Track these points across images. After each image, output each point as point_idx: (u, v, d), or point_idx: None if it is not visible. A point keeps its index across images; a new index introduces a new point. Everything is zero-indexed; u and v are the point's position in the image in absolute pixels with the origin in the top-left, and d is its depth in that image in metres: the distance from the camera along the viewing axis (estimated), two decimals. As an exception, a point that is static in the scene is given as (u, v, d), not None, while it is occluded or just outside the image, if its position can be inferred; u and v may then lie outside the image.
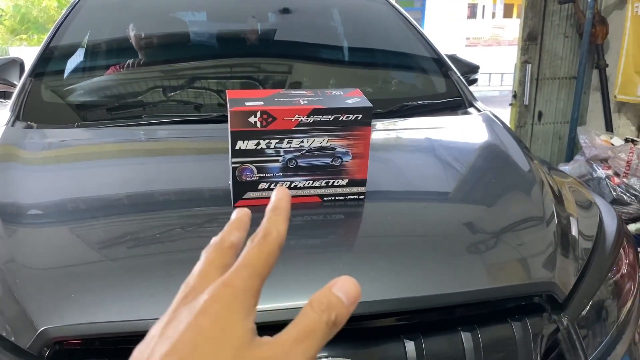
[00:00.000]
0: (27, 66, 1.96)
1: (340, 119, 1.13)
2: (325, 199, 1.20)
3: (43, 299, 0.92)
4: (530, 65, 3.22)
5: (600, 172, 2.66)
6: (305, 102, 1.13)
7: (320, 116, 1.11)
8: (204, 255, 0.37)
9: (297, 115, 1.10)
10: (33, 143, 1.52)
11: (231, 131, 1.10)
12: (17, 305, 0.91)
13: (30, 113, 1.67)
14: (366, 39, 2.37)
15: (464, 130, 1.76)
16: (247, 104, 1.11)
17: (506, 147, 1.64)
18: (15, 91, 1.79)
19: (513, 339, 0.98)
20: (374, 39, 2.37)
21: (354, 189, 1.20)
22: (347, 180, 1.19)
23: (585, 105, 3.36)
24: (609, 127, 3.17)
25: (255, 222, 1.09)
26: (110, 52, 2.08)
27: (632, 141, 2.74)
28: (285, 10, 2.32)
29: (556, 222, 1.22)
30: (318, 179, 1.18)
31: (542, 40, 3.25)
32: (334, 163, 1.17)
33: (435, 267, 1.05)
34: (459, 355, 0.95)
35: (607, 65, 3.17)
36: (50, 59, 1.94)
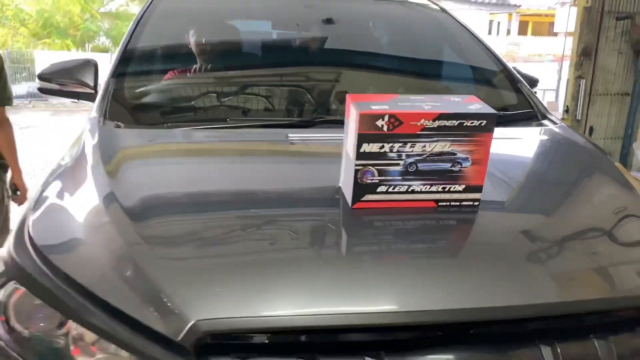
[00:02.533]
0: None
1: (465, 124, 1.14)
2: (440, 204, 1.21)
3: (192, 294, 0.93)
4: (584, 80, 3.23)
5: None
6: (429, 107, 1.15)
7: (446, 121, 1.13)
8: None
9: (423, 120, 1.12)
10: (133, 142, 1.54)
11: (358, 134, 1.11)
12: (166, 299, 0.93)
13: (116, 114, 1.70)
14: (434, 51, 2.39)
15: (547, 141, 1.77)
16: (373, 107, 1.13)
17: (595, 158, 1.65)
18: (100, 92, 1.83)
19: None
20: (438, 50, 2.40)
21: (470, 195, 1.21)
22: (463, 187, 1.20)
23: (637, 121, 3.37)
24: (663, 145, 3.18)
25: (370, 225, 1.11)
26: (186, 56, 2.12)
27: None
28: (350, 20, 2.35)
29: None
30: (436, 184, 1.19)
31: (596, 56, 3.26)
32: (452, 168, 1.18)
33: (562, 275, 1.06)
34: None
35: (663, 82, 3.18)
36: (130, 61, 1.97)
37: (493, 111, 1.16)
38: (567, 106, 3.33)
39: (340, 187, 1.26)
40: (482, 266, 1.05)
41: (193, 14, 2.28)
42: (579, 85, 3.20)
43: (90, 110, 1.81)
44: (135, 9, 17.38)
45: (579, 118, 3.31)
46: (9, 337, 1.05)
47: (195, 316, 0.89)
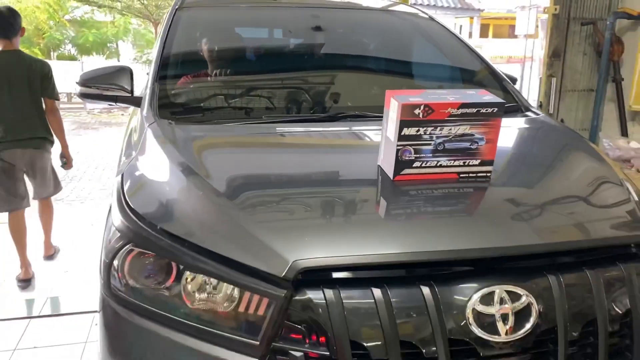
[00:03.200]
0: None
1: (481, 111, 1.47)
2: (461, 175, 1.53)
3: (290, 242, 1.23)
4: (554, 79, 3.64)
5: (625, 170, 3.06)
6: (453, 98, 1.47)
7: (467, 109, 1.45)
8: None
9: (449, 108, 1.44)
10: (193, 134, 1.82)
11: (400, 120, 1.43)
12: (270, 248, 1.22)
13: (165, 113, 1.97)
14: (430, 56, 2.72)
15: (535, 128, 2.11)
16: (411, 99, 1.44)
17: (576, 140, 2.00)
18: (147, 94, 2.08)
19: (624, 278, 1.32)
20: (436, 55, 2.72)
21: (484, 168, 1.54)
22: (479, 161, 1.52)
23: (601, 114, 3.79)
24: (624, 133, 3.59)
25: (409, 193, 1.44)
26: (220, 59, 2.39)
27: (650, 145, 3.15)
28: (351, 28, 2.67)
29: (635, 195, 1.57)
30: (458, 159, 1.51)
31: (564, 57, 3.67)
32: (471, 147, 1.50)
33: (565, 219, 1.39)
34: (587, 287, 1.28)
35: (622, 79, 3.60)
36: (167, 67, 2.23)
37: (502, 100, 1.49)
38: (541, 102, 3.73)
39: (379, 165, 1.57)
40: (498, 218, 1.37)
41: (211, 24, 2.56)
42: (551, 83, 3.60)
43: (137, 111, 2.09)
44: (101, 17, 17.32)
45: (551, 112, 3.71)
46: (127, 291, 1.32)
47: (294, 257, 1.18)
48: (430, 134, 1.46)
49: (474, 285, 1.23)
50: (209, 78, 2.33)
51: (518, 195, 1.50)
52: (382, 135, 1.55)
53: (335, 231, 1.28)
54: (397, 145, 1.45)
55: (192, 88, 2.25)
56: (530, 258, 1.30)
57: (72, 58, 16.39)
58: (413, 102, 1.42)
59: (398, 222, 1.35)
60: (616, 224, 1.44)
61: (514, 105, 2.29)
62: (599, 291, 1.28)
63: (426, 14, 2.91)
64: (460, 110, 1.45)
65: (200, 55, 2.41)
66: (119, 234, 1.37)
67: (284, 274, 1.18)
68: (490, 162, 1.53)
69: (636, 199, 1.55)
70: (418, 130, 1.45)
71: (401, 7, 3.09)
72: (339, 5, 2.95)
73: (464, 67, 2.64)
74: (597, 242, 1.36)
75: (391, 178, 1.49)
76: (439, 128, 1.46)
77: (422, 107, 1.42)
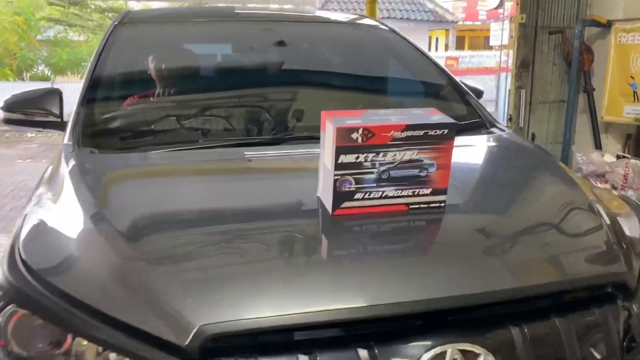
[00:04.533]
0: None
1: (429, 133, 1.28)
2: (410, 206, 1.33)
3: (195, 301, 1.01)
4: (524, 90, 3.49)
5: (599, 186, 2.90)
6: (397, 119, 1.28)
7: (413, 131, 1.26)
8: None
9: (392, 131, 1.25)
10: (111, 166, 1.60)
11: (336, 146, 1.23)
12: (170, 309, 1.00)
13: (88, 140, 1.75)
14: (384, 68, 2.55)
15: (499, 147, 1.94)
16: (348, 122, 1.24)
17: (543, 161, 1.83)
18: (71, 120, 1.87)
19: (600, 324, 1.13)
20: (391, 68, 2.56)
21: (436, 197, 1.34)
22: (430, 190, 1.33)
23: (573, 126, 3.64)
24: (598, 146, 3.45)
25: (350, 230, 1.23)
26: (152, 81, 2.19)
27: (624, 157, 3.00)
28: (305, 43, 2.48)
29: (610, 223, 1.39)
30: (406, 189, 1.31)
31: (533, 67, 3.53)
32: (420, 174, 1.31)
33: (518, 264, 1.20)
34: (557, 338, 1.09)
35: (594, 90, 3.46)
36: (97, 89, 2.02)
37: (453, 121, 1.30)
38: (510, 115, 3.58)
39: (318, 196, 1.37)
40: (451, 260, 1.18)
41: (152, 41, 2.36)
42: (520, 94, 3.45)
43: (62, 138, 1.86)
44: (74, 36, 17.05)
45: (522, 125, 3.56)
46: None
47: (201, 321, 0.97)
48: (372, 161, 1.26)
49: (423, 343, 1.03)
50: (151, 99, 2.12)
51: (476, 230, 1.31)
52: (320, 163, 1.35)
53: (255, 285, 1.07)
54: (335, 175, 1.26)
55: (126, 111, 2.03)
56: (489, 307, 1.10)
57: (46, 78, 16.06)
58: (350, 125, 1.23)
59: (332, 270, 1.14)
60: (589, 261, 1.25)
61: (478, 122, 2.12)
62: (570, 343, 1.09)
63: (387, 26, 2.74)
64: (405, 133, 1.26)
65: (139, 75, 2.21)
66: (0, 292, 1.15)
67: (187, 342, 0.96)
68: (443, 191, 1.34)
69: (608, 223, 1.38)
70: (357, 157, 1.25)
71: (360, 20, 2.92)
72: (293, 18, 2.76)
73: (425, 81, 2.47)
74: (567, 284, 1.17)
75: (330, 213, 1.29)
76: (381, 154, 1.26)
77: (360, 131, 1.23)
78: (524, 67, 3.52)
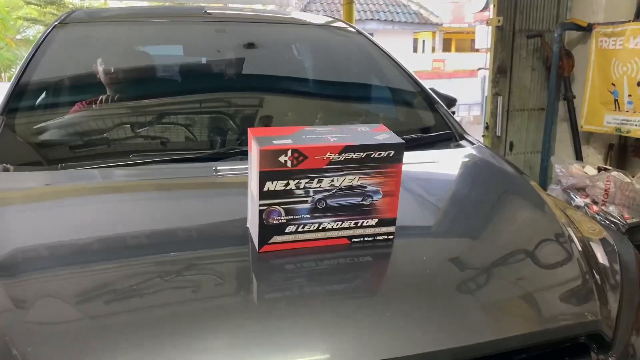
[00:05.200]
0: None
1: (373, 156, 1.09)
2: (353, 240, 1.15)
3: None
4: (501, 97, 3.32)
5: (579, 200, 2.75)
6: (335, 139, 1.09)
7: (353, 154, 1.08)
8: None
9: (328, 153, 1.06)
10: (17, 188, 1.40)
11: (260, 172, 1.04)
12: None
13: (6, 155, 1.55)
14: (347, 72, 2.37)
15: (464, 164, 1.76)
16: (275, 142, 1.05)
17: (512, 180, 1.66)
18: None
19: None
20: (355, 72, 2.38)
21: (384, 229, 1.16)
22: (376, 220, 1.15)
23: (553, 135, 3.49)
24: (579, 156, 3.29)
25: (280, 270, 1.03)
26: (85, 88, 1.99)
27: (605, 169, 2.85)
28: (262, 45, 2.29)
29: (583, 255, 1.22)
30: (347, 220, 1.13)
31: (511, 73, 3.36)
32: (364, 202, 1.13)
33: (478, 314, 1.02)
34: None
35: (574, 97, 3.31)
36: (23, 96, 1.82)
37: (400, 140, 1.12)
38: (487, 123, 3.41)
39: (248, 227, 1.18)
40: (402, 308, 1.00)
41: (94, 42, 2.15)
42: (497, 101, 3.29)
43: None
44: (54, 35, 16.68)
45: (499, 134, 3.40)
46: None
47: None
48: (305, 188, 1.07)
49: None
50: (94, 106, 1.91)
51: (429, 270, 1.12)
52: (249, 190, 1.16)
53: (155, 341, 0.87)
54: (260, 205, 1.06)
55: (52, 123, 1.82)
56: None
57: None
58: (277, 147, 1.04)
59: (253, 323, 0.94)
60: (558, 307, 1.07)
61: (446, 134, 1.95)
62: None
63: (354, 28, 2.57)
64: (344, 156, 1.07)
65: (73, 81, 2.00)
66: None
67: None
68: (391, 221, 1.16)
69: (581, 252, 1.21)
70: (287, 184, 1.06)
71: (325, 21, 2.74)
72: (254, 19, 2.57)
73: (392, 87, 2.30)
74: (535, 337, 0.99)
75: (257, 249, 1.10)
76: (316, 180, 1.07)
77: (289, 153, 1.04)
78: (502, 72, 3.36)
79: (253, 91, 2.10)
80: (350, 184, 1.10)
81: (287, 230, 1.10)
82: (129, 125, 1.81)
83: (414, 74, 2.29)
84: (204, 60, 2.31)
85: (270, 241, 1.10)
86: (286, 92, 2.18)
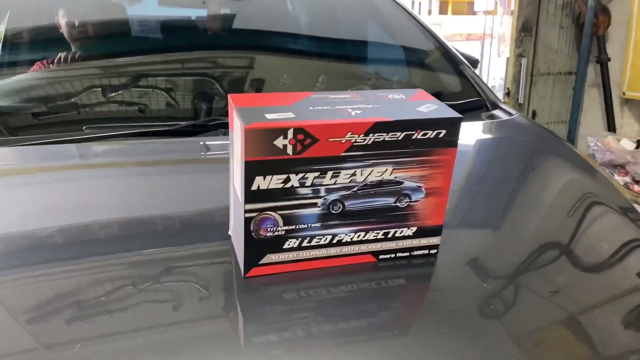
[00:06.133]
0: None
1: (414, 137, 0.74)
2: (381, 257, 0.81)
3: None
4: (525, 59, 2.95)
5: (617, 179, 2.41)
6: (358, 111, 0.74)
7: (385, 134, 0.72)
8: None
9: (349, 134, 0.71)
10: None
11: (246, 162, 0.68)
12: None
13: None
14: (356, 28, 2.00)
15: (509, 142, 1.41)
16: (269, 117, 0.70)
17: (571, 163, 1.31)
18: None
19: None
20: (360, 27, 2.01)
21: (424, 241, 0.82)
22: (415, 229, 0.80)
23: (581, 104, 3.13)
24: (611, 128, 2.94)
25: (276, 301, 0.70)
26: (46, 45, 1.63)
27: (646, 143, 2.51)
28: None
29: None
30: (374, 229, 0.78)
31: (537, 32, 2.98)
32: (398, 204, 0.78)
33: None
34: None
35: (609, 59, 2.94)
36: None
37: (455, 114, 0.76)
38: (508, 88, 3.05)
39: (230, 236, 0.83)
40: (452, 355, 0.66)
41: None
42: (520, 64, 2.92)
43: None
44: None
45: (521, 101, 3.04)
46: None
47: None
48: (314, 185, 0.72)
49: None
50: (55, 65, 1.56)
51: (494, 304, 0.78)
52: (230, 183, 0.81)
53: None
54: (247, 212, 0.71)
55: (12, 83, 1.49)
56: None
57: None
58: (272, 124, 0.68)
59: None
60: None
61: (477, 101, 1.60)
62: None
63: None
64: (372, 137, 0.72)
65: (37, 35, 1.65)
66: None
67: None
68: (436, 230, 0.82)
69: None
70: (288, 180, 0.71)
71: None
72: None
73: (410, 47, 1.94)
74: None
75: (241, 274, 0.75)
76: (330, 174, 0.72)
77: (290, 134, 0.68)
78: (526, 30, 2.97)
79: (245, 49, 1.73)
80: (380, 178, 0.75)
81: (286, 246, 0.75)
82: (98, 89, 1.47)
83: (431, 28, 1.93)
84: (186, 13, 1.94)
85: (262, 262, 0.75)
86: (283, 51, 1.81)
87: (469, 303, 0.76)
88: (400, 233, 0.80)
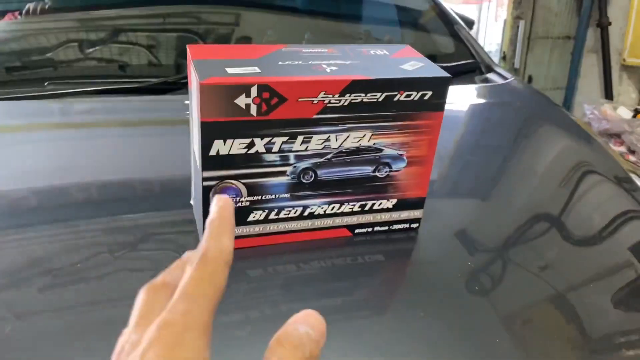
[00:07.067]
0: None
1: (397, 98, 0.66)
2: (357, 231, 0.74)
3: None
4: (523, 21, 2.84)
5: (613, 148, 2.35)
6: (334, 68, 0.65)
7: (363, 95, 0.64)
8: (142, 293, 0.30)
9: (322, 93, 0.63)
10: None
11: (202, 123, 0.60)
12: None
13: None
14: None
15: (505, 107, 1.34)
16: (230, 70, 0.61)
17: (567, 130, 1.24)
18: None
19: None
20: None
21: (405, 214, 0.75)
22: (395, 202, 0.73)
23: (579, 70, 3.04)
24: (609, 95, 2.86)
25: (241, 277, 0.63)
26: None
27: (644, 112, 2.44)
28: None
29: None
30: (349, 201, 0.71)
31: (536, -8, 2.87)
32: (377, 174, 0.71)
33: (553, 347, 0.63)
34: None
35: (610, 24, 2.84)
36: None
37: (443, 73, 0.68)
38: (504, 52, 2.95)
39: (192, 205, 0.76)
40: (429, 338, 0.60)
41: None
42: (518, 27, 2.81)
43: None
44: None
45: (517, 66, 2.94)
46: None
47: None
48: (282, 151, 0.65)
49: None
50: (25, 17, 1.45)
51: (478, 284, 0.72)
52: (191, 147, 0.73)
53: None
54: (205, 179, 0.64)
55: None
56: None
57: None
58: (232, 80, 0.60)
59: None
60: None
61: (470, 64, 1.51)
62: None
63: None
64: (348, 98, 0.64)
65: None
66: None
67: None
68: (418, 203, 0.75)
69: None
70: (252, 145, 0.63)
71: None
72: None
73: (402, 5, 1.84)
74: None
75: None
76: (301, 138, 0.65)
77: (255, 92, 0.60)
78: (526, -9, 2.86)
79: (231, 4, 1.62)
80: (357, 145, 0.68)
81: (251, 219, 0.68)
82: (74, 44, 1.37)
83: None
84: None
85: (224, 235, 0.68)
86: (271, 7, 1.71)
87: (450, 281, 0.70)
88: (379, 205, 0.73)
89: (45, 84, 1.17)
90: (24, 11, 1.43)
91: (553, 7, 2.95)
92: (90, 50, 1.36)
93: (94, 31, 1.42)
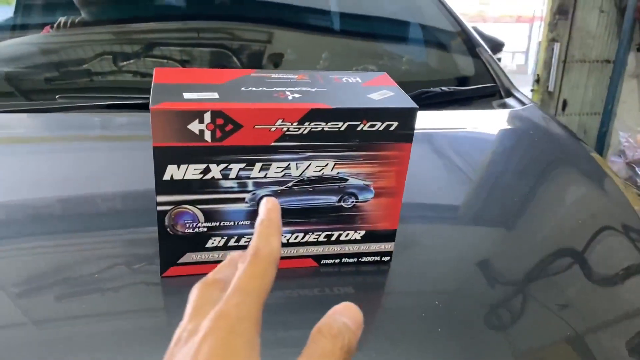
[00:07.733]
0: None
1: (360, 128, 0.64)
2: (324, 262, 0.72)
3: None
4: (558, 44, 2.76)
5: (646, 179, 2.25)
6: (297, 95, 0.64)
7: (324, 124, 0.63)
8: (196, 289, 0.33)
9: (280, 121, 0.61)
10: None
11: (154, 147, 0.60)
12: None
13: None
14: (369, 3, 1.88)
15: (510, 134, 1.30)
16: (187, 95, 0.61)
17: (580, 168, 1.18)
18: None
19: None
20: (378, 4, 1.89)
21: (374, 247, 0.72)
22: (363, 233, 0.71)
23: (618, 94, 2.93)
24: (649, 122, 2.75)
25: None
26: (55, 8, 1.58)
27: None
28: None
29: None
30: (314, 231, 0.69)
31: (573, 14, 2.78)
32: (342, 204, 0.69)
33: None
34: None
35: (652, 47, 2.74)
36: None
37: (411, 104, 0.66)
38: (538, 75, 2.87)
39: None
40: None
41: None
42: (553, 49, 2.74)
43: None
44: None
45: (551, 90, 2.86)
46: None
47: None
48: (239, 178, 0.64)
49: None
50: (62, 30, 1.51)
51: (433, 317, 0.68)
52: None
53: None
54: (159, 205, 0.63)
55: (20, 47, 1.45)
56: None
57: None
58: (183, 106, 0.59)
59: None
60: None
61: (489, 87, 1.47)
62: None
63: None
64: (308, 126, 0.62)
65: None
66: None
67: None
68: (388, 235, 0.72)
69: None
70: (207, 171, 0.62)
71: None
72: None
73: (424, 25, 1.81)
74: None
75: (159, 273, 0.67)
76: (258, 166, 0.63)
77: (208, 118, 0.59)
78: (562, 13, 2.78)
79: (266, 22, 1.64)
80: (320, 173, 0.66)
81: (209, 245, 0.67)
82: (108, 57, 1.41)
83: (449, 6, 1.79)
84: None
85: (182, 261, 0.67)
86: (304, 27, 1.72)
87: (414, 322, 0.67)
88: (346, 236, 0.71)
89: (56, 97, 1.20)
90: (55, 25, 1.48)
91: (591, 29, 2.86)
92: (124, 63, 1.39)
93: (133, 44, 1.45)
